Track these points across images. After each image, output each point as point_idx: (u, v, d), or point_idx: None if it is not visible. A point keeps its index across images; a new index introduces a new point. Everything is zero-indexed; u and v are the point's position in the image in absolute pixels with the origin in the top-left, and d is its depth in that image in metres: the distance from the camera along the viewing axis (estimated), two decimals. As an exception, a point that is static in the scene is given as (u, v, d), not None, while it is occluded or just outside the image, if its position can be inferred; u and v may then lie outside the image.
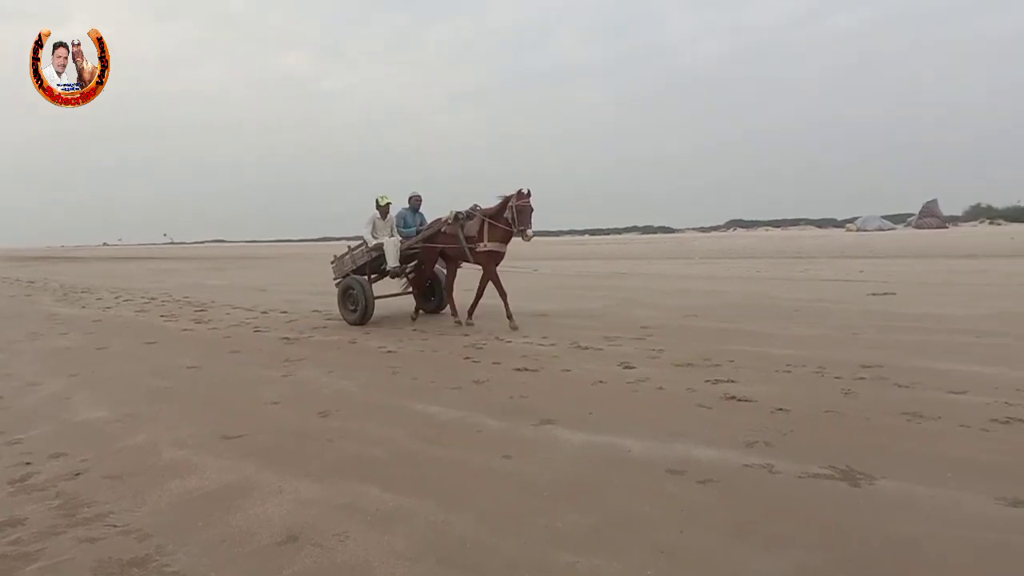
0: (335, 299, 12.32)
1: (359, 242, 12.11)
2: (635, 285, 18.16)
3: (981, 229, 57.79)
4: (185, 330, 11.85)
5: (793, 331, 9.47)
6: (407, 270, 12.27)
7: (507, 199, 10.47)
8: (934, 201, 71.01)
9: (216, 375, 7.89)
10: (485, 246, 10.69)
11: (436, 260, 11.93)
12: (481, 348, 9.02)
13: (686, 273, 22.80)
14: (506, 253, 11.01)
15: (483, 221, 10.76)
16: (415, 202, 12.37)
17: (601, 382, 6.87)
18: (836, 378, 6.66)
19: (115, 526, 3.83)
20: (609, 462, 4.59)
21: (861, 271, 19.84)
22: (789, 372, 7.00)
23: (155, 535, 3.71)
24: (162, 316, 14.11)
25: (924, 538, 3.37)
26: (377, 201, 11.86)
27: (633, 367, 7.49)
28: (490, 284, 11.06)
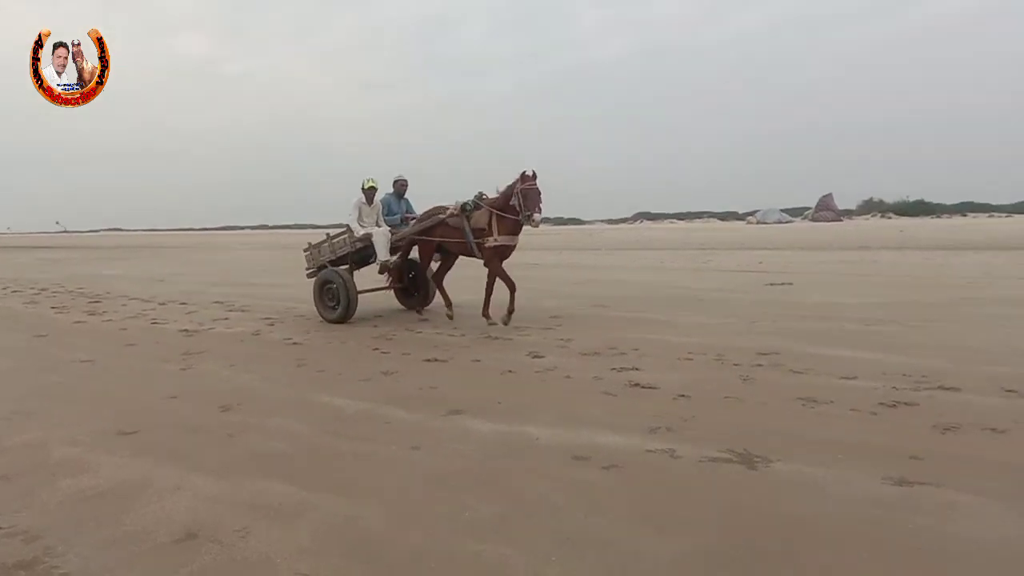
0: (235, 292, 11.76)
1: (340, 230, 10.99)
2: (545, 276, 18.31)
3: (873, 222, 60.77)
4: (78, 322, 11.32)
5: (696, 320, 9.75)
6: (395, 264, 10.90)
7: (511, 186, 9.45)
8: (829, 195, 74.15)
9: (111, 369, 7.56)
10: (495, 240, 9.58)
11: (432, 254, 10.71)
12: (391, 339, 8.94)
13: (595, 264, 23.16)
14: (516, 245, 9.92)
15: (491, 213, 9.63)
16: (400, 187, 11.22)
17: (510, 371, 6.91)
18: (735, 365, 6.88)
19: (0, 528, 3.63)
20: (517, 450, 4.61)
21: (760, 262, 20.59)
22: (691, 360, 7.20)
23: (44, 536, 3.53)
24: (53, 308, 13.43)
25: (816, 516, 3.52)
26: (362, 184, 10.66)
27: (542, 356, 7.57)
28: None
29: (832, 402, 5.49)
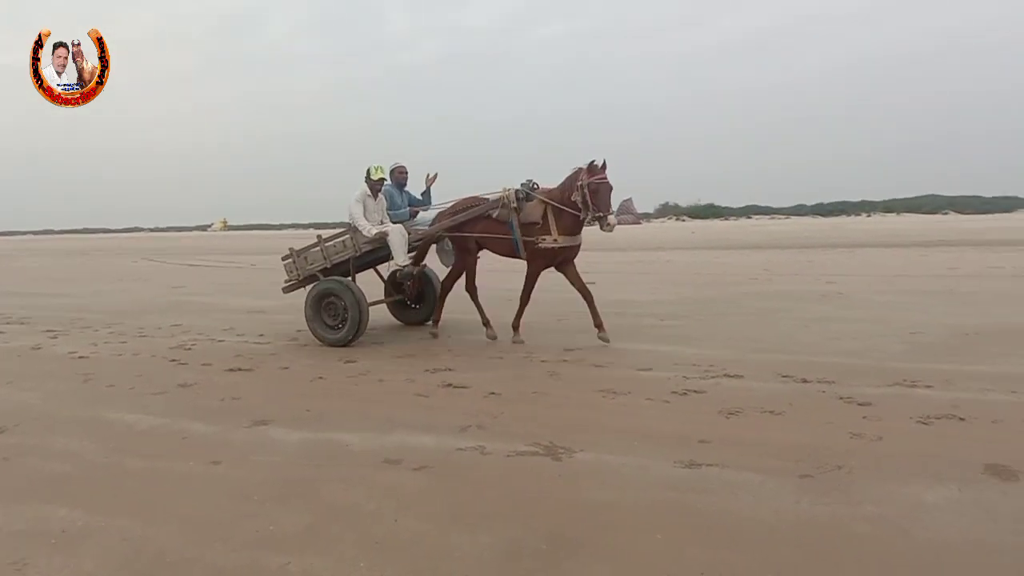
0: (11, 303, 10.07)
1: (336, 231, 9.17)
2: (360, 277, 17.99)
3: (669, 224, 64.83)
4: None
5: (506, 319, 9.95)
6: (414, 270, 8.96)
7: (573, 176, 7.93)
8: (630, 199, 78.13)
9: None
10: (555, 241, 8.00)
11: (473, 256, 8.88)
12: (190, 349, 8.45)
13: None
14: (580, 246, 8.43)
15: (547, 206, 8.05)
16: (400, 176, 9.41)
17: (321, 378, 6.75)
18: (543, 361, 7.12)
19: None
20: (326, 458, 4.51)
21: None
22: (501, 359, 7.37)
23: None
24: None
25: (615, 502, 3.70)
26: (368, 173, 8.71)
27: (354, 360, 7.46)
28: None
29: (630, 393, 5.81)
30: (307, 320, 8.64)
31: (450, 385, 6.26)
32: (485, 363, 7.17)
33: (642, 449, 4.47)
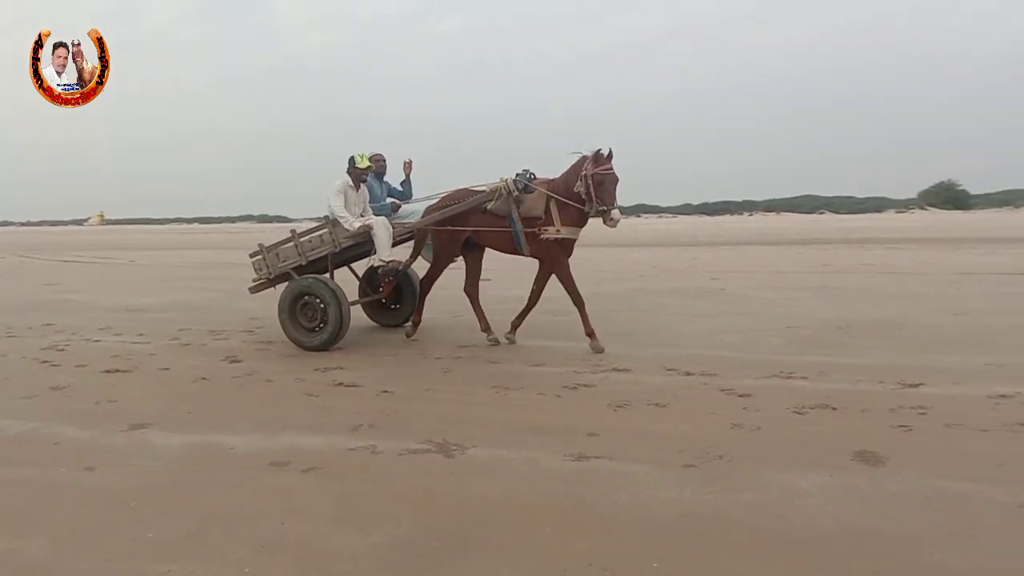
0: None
1: (312, 225, 8.41)
2: (246, 276, 17.46)
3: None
4: None
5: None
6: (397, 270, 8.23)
7: (577, 166, 7.43)
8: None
9: None
10: (558, 232, 7.45)
11: (458, 251, 8.29)
12: (63, 350, 7.99)
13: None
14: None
15: (549, 198, 7.52)
16: (379, 166, 8.54)
17: (204, 378, 6.51)
18: (437, 358, 7.10)
19: None
20: (209, 462, 4.36)
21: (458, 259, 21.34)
22: (395, 356, 7.32)
23: None
24: None
25: (506, 497, 3.73)
26: (352, 162, 7.96)
27: (240, 360, 7.23)
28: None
29: (523, 388, 5.87)
30: (281, 324, 7.82)
31: (341, 384, 6.16)
32: (378, 361, 7.09)
33: (533, 443, 4.53)
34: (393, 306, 9.31)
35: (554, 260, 7.59)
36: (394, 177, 8.93)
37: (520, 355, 7.15)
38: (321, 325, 7.62)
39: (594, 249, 25.57)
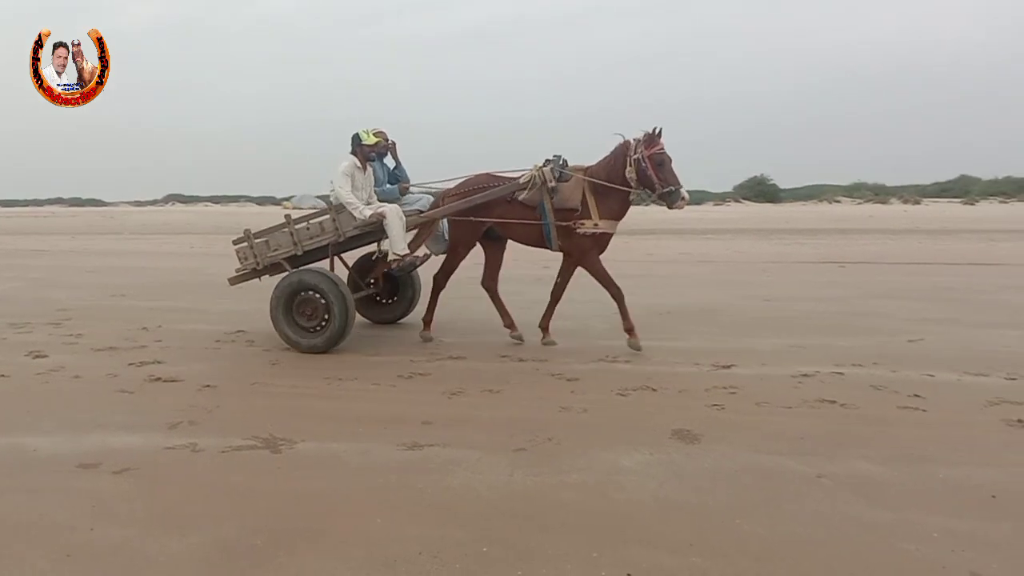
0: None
1: (311, 210, 7.46)
2: (54, 263, 16.14)
3: (398, 208, 65.24)
4: None
5: (225, 306, 9.44)
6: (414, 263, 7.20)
7: (621, 151, 6.76)
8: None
9: None
10: (596, 227, 6.79)
11: (475, 243, 7.45)
12: None
13: (116, 249, 21.07)
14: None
15: (585, 185, 6.85)
16: (381, 146, 7.49)
17: (3, 376, 5.95)
18: (265, 351, 6.85)
19: None
20: (8, 467, 4.00)
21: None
22: (219, 348, 6.99)
23: None
24: None
25: (335, 490, 3.66)
26: (358, 138, 7.10)
27: (45, 355, 6.65)
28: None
29: (356, 379, 5.78)
30: (274, 322, 6.88)
31: (159, 379, 5.81)
32: (200, 354, 6.73)
33: (366, 434, 4.47)
34: (387, 301, 8.45)
35: (583, 255, 6.97)
36: None
37: (354, 345, 7.02)
38: (322, 324, 6.75)
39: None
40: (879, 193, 59.74)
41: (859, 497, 3.58)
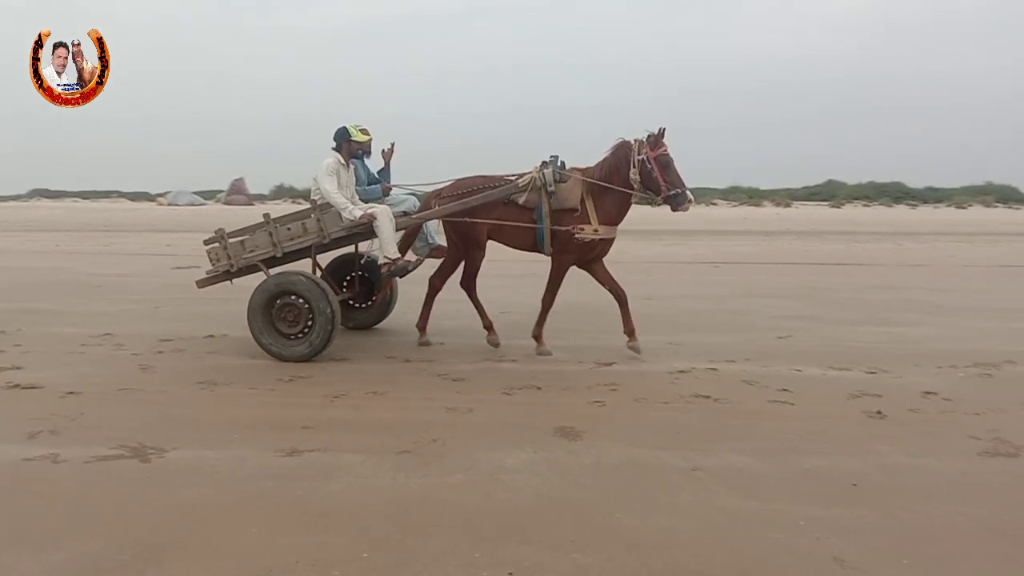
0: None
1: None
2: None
3: (286, 207, 63.41)
4: None
5: (92, 308, 8.95)
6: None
7: (623, 152, 6.54)
8: (241, 179, 74.92)
9: None
10: (596, 232, 6.51)
11: (484, 248, 7.05)
12: None
13: (-32, 248, 19.59)
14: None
15: (586, 188, 6.58)
16: (367, 144, 7.16)
17: None
18: (135, 354, 6.51)
19: None
20: None
21: (169, 245, 19.85)
22: (84, 352, 6.59)
23: None
24: None
25: (209, 499, 3.51)
26: (345, 133, 6.78)
27: None
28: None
29: (232, 383, 5.58)
30: (252, 329, 6.41)
31: (17, 386, 5.43)
32: (62, 359, 6.33)
33: (241, 441, 4.33)
34: (362, 305, 7.95)
35: (559, 255, 6.75)
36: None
37: (231, 348, 6.78)
38: (305, 331, 6.34)
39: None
40: (753, 196, 62.40)
41: (731, 489, 3.72)
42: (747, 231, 22.95)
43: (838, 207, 56.72)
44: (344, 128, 6.79)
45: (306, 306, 6.26)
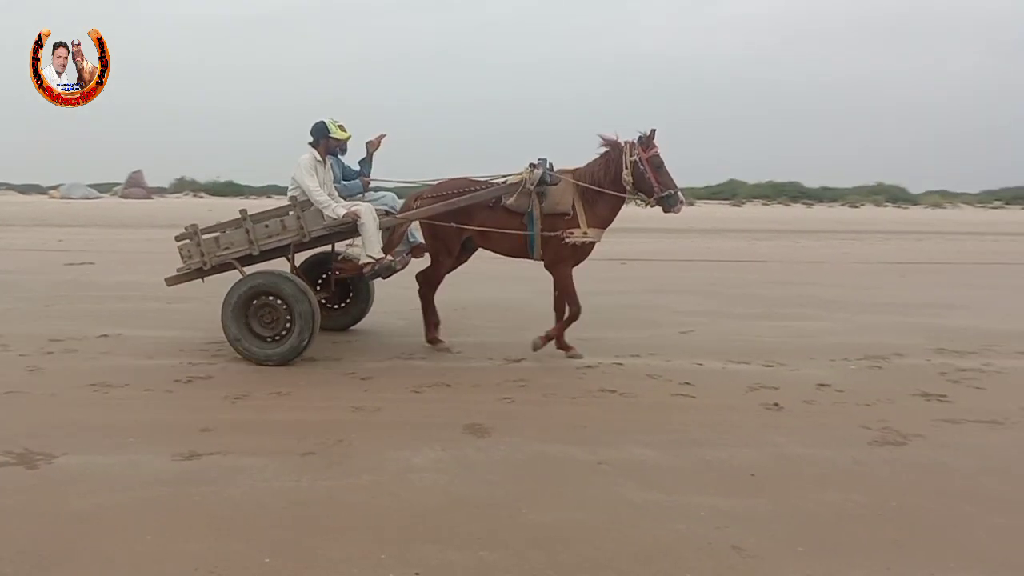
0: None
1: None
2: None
3: (186, 201, 61.27)
4: None
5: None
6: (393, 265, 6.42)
7: (614, 153, 6.40)
8: (139, 172, 71.99)
9: None
10: (585, 235, 6.33)
11: (456, 254, 6.82)
12: None
13: None
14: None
15: (576, 191, 6.39)
16: (345, 142, 6.74)
17: None
18: (22, 355, 6.16)
19: None
20: None
21: (60, 240, 18.89)
22: (-37, 355, 6.21)
23: None
24: None
25: (101, 507, 3.36)
26: (324, 129, 6.47)
27: None
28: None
29: (127, 385, 5.34)
30: (226, 330, 6.13)
31: None
32: (-60, 361, 5.95)
33: (137, 446, 4.15)
34: (337, 306, 7.63)
35: (558, 263, 6.54)
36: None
37: (125, 347, 6.50)
38: (281, 334, 6.07)
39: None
40: (658, 195, 63.77)
41: (635, 481, 3.80)
42: (652, 228, 23.39)
43: (739, 206, 58.65)
44: (322, 123, 6.53)
45: (284, 307, 6.04)
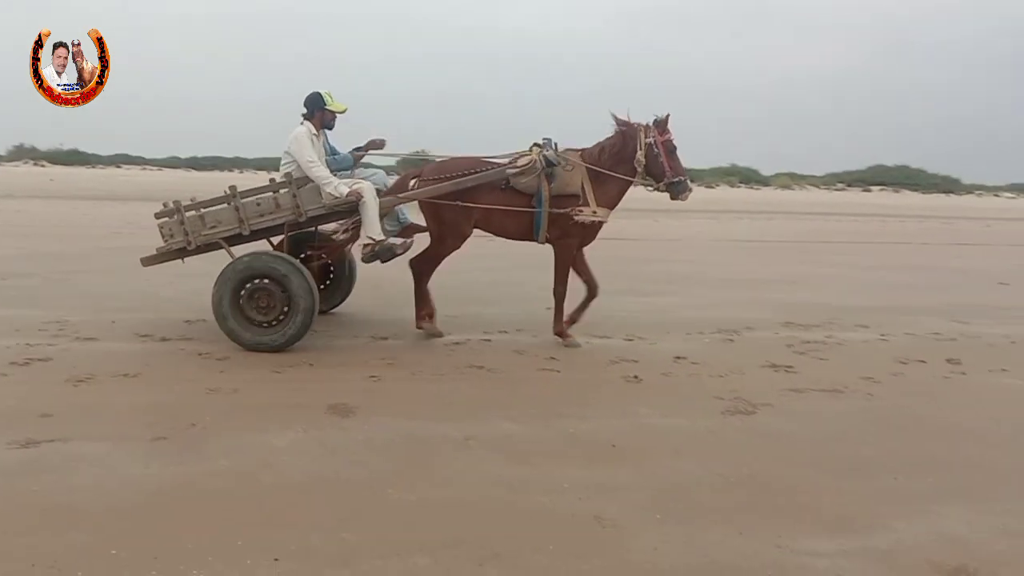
0: None
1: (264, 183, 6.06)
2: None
3: (24, 169, 56.67)
4: None
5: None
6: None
7: (628, 134, 6.24)
8: (-34, 137, 66.18)
9: None
10: (594, 214, 6.13)
11: (469, 234, 6.52)
12: None
13: None
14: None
15: (586, 172, 6.22)
16: (332, 116, 6.24)
17: None
18: None
19: None
20: None
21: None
22: None
23: None
24: None
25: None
26: (320, 100, 6.11)
27: None
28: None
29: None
30: (218, 315, 5.65)
31: None
32: None
33: (-36, 434, 3.80)
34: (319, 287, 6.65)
35: (565, 240, 6.34)
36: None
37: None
38: (277, 320, 5.65)
39: (58, 202, 22.61)
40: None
41: (502, 455, 3.84)
42: (521, 206, 23.75)
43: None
44: (318, 94, 6.15)
45: (281, 292, 5.65)
